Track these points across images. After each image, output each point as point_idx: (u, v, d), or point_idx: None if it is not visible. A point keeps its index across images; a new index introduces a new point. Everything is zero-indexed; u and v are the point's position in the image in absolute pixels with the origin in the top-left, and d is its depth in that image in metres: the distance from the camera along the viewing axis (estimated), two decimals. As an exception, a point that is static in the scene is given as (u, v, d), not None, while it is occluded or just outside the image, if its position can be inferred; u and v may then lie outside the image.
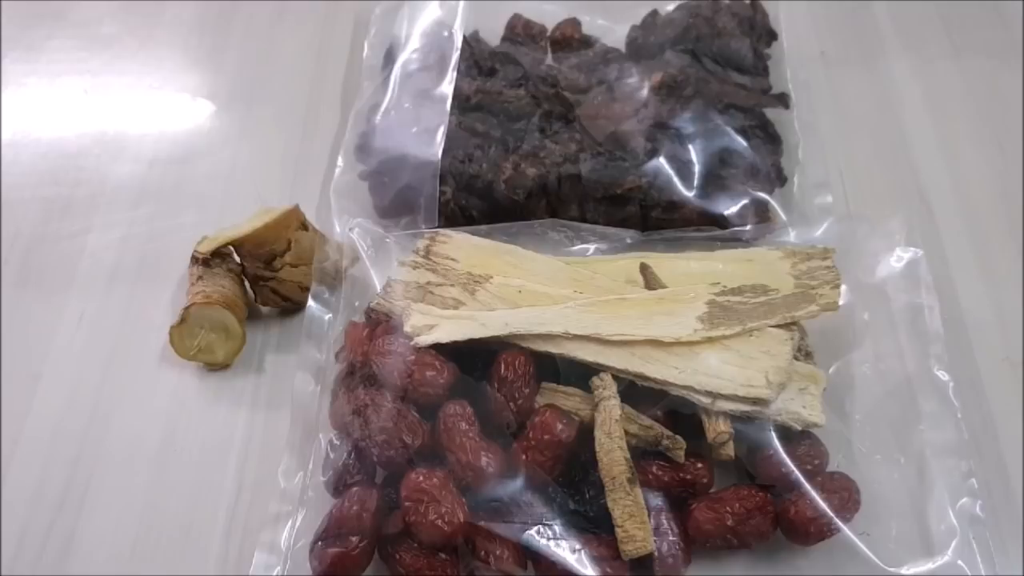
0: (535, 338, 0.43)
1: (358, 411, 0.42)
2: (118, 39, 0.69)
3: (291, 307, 0.52)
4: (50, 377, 0.50)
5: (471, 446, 0.40)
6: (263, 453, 0.46)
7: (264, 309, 0.52)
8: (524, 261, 0.48)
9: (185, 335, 0.49)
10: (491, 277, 0.46)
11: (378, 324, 0.45)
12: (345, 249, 0.51)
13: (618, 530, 0.39)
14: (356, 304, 0.49)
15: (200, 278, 0.50)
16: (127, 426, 0.48)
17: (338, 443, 0.43)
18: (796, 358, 0.43)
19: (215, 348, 0.49)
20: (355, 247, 0.50)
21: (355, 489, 0.41)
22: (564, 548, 0.39)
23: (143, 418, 0.48)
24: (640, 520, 0.39)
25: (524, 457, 0.41)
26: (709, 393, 0.41)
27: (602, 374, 0.42)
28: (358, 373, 0.44)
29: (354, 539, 0.39)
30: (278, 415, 0.47)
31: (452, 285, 0.46)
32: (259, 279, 0.51)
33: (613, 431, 0.41)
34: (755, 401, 0.41)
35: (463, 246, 0.48)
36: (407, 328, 0.43)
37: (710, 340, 0.43)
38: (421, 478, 0.40)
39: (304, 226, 0.51)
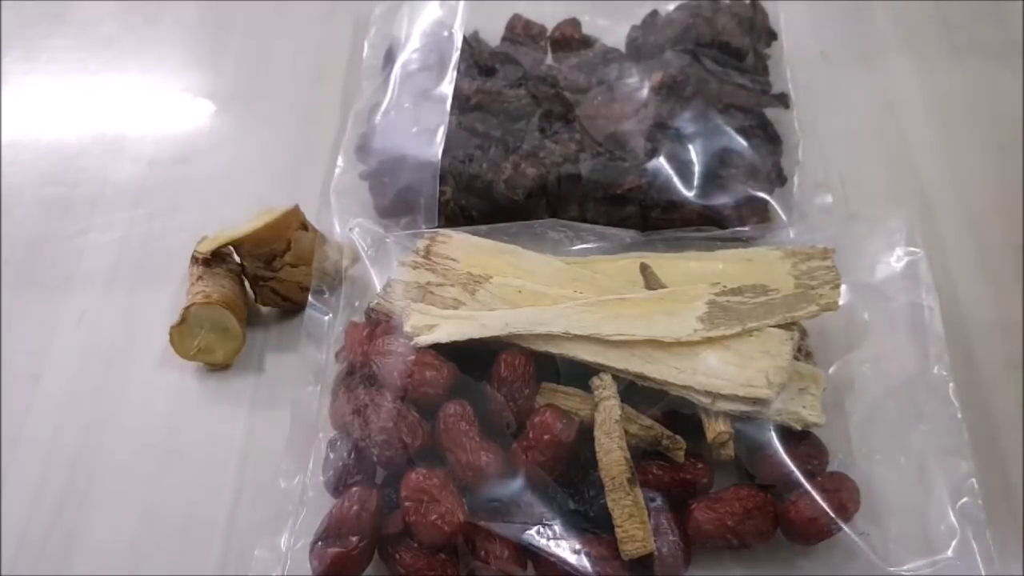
0: (535, 338, 0.43)
1: (358, 411, 0.42)
2: (118, 39, 0.69)
3: (291, 307, 0.52)
4: (50, 377, 0.50)
5: (471, 446, 0.40)
6: (263, 453, 0.46)
7: (264, 309, 0.52)
8: (524, 261, 0.48)
9: (185, 335, 0.49)
10: (491, 277, 0.46)
11: (378, 324, 0.45)
12: (345, 249, 0.51)
13: (618, 530, 0.39)
14: (356, 304, 0.49)
15: (200, 278, 0.50)
16: (127, 426, 0.48)
17: (338, 443, 0.43)
18: (796, 358, 0.43)
19: (215, 348, 0.49)
20: (355, 247, 0.50)
21: (355, 489, 0.41)
22: (564, 548, 0.39)
23: (143, 418, 0.48)
24: (640, 520, 0.39)
25: (524, 457, 0.41)
26: (709, 393, 0.41)
27: (602, 374, 0.42)
28: (358, 373, 0.44)
29: (354, 539, 0.39)
30: (278, 415, 0.47)
31: (452, 285, 0.46)
32: (259, 279, 0.51)
33: (613, 431, 0.41)
34: (755, 401, 0.41)
35: (463, 246, 0.48)
36: (407, 328, 0.43)
37: (710, 340, 0.43)
38: (421, 478, 0.40)
39: (304, 226, 0.51)
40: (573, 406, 0.42)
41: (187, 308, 0.48)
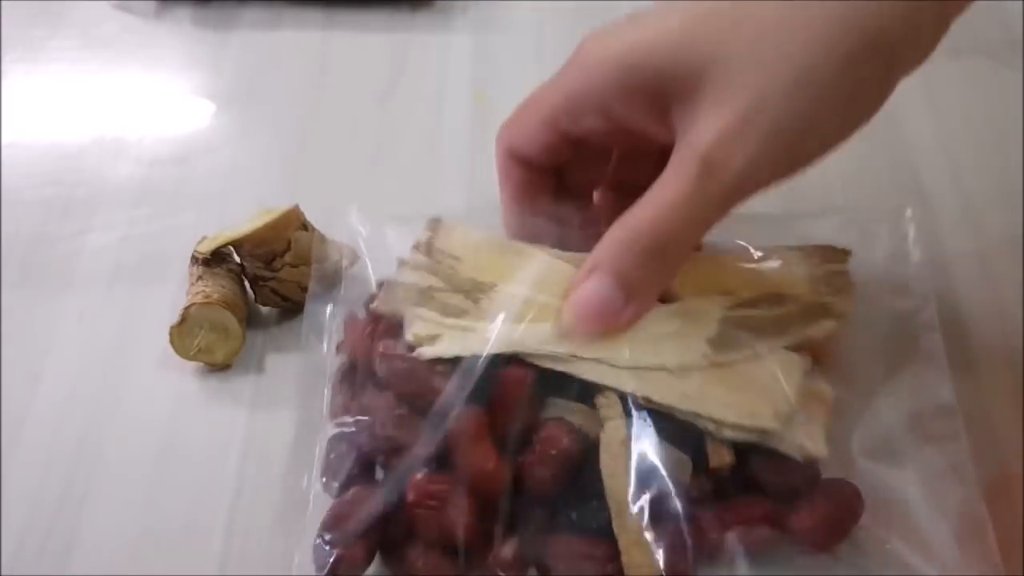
0: (540, 356, 0.42)
1: (362, 411, 0.42)
2: (118, 39, 0.69)
3: (291, 307, 0.52)
4: (50, 377, 0.50)
5: (479, 452, 0.40)
6: (263, 453, 0.46)
7: (264, 309, 0.52)
8: (532, 264, 0.46)
9: (185, 335, 0.49)
10: (495, 285, 0.45)
11: (379, 319, 0.45)
12: (345, 249, 0.51)
13: (623, 556, 0.38)
14: (355, 296, 0.48)
15: (200, 278, 0.50)
16: (127, 426, 0.48)
17: (338, 442, 0.43)
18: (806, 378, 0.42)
19: (215, 348, 0.49)
20: (355, 248, 0.50)
21: (356, 489, 0.41)
22: (568, 550, 0.39)
23: (143, 418, 0.48)
24: (647, 547, 0.38)
25: (529, 470, 0.40)
26: (713, 420, 0.40)
27: (607, 392, 0.41)
28: (360, 372, 0.44)
29: (355, 539, 0.39)
30: (278, 415, 0.47)
31: (455, 292, 0.45)
32: (259, 279, 0.51)
33: (619, 453, 0.40)
34: (761, 432, 0.40)
35: (467, 243, 0.47)
36: (409, 337, 0.43)
37: (718, 365, 0.42)
38: (427, 481, 0.39)
39: (304, 226, 0.51)
40: (580, 421, 0.41)
41: (187, 308, 0.48)
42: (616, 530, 0.39)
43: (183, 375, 0.50)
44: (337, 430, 0.44)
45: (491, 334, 0.42)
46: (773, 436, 0.40)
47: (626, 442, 0.40)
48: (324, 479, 0.43)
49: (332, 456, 0.43)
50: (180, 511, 0.45)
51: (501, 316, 0.44)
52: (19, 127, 0.64)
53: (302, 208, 0.51)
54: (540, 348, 0.42)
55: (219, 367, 0.50)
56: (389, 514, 0.41)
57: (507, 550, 0.39)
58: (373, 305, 0.46)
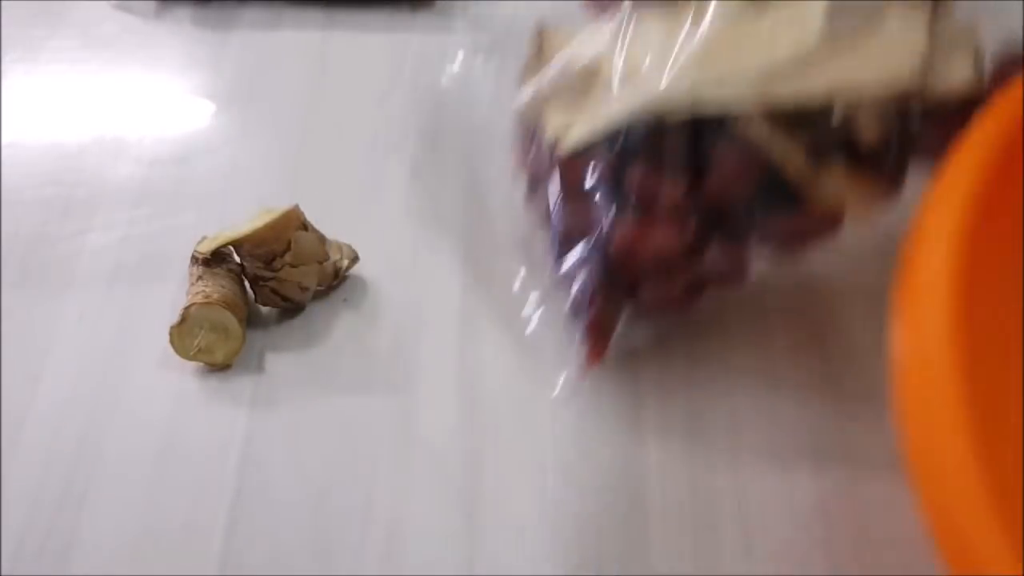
0: (671, 108, 0.41)
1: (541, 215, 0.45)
2: (118, 39, 0.69)
3: (291, 307, 0.52)
4: (50, 377, 0.50)
5: (665, 187, 0.41)
6: (263, 453, 0.46)
7: (264, 309, 0.52)
8: (634, 34, 0.44)
9: (185, 335, 0.49)
10: (602, 66, 0.44)
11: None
12: (345, 249, 0.51)
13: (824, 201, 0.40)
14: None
15: (200, 278, 0.50)
16: (127, 427, 0.48)
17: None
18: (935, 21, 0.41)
19: (215, 348, 0.49)
20: (353, 247, 0.50)
21: (573, 262, 0.43)
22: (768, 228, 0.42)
23: (143, 418, 0.48)
24: (847, 187, 0.40)
25: (715, 193, 0.41)
26: (853, 90, 0.39)
27: (744, 114, 0.40)
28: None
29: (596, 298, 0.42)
30: (278, 415, 0.47)
31: (575, 81, 0.44)
32: (259, 279, 0.51)
33: (788, 148, 0.40)
34: (901, 89, 0.39)
35: (575, 38, 0.46)
36: (549, 134, 0.43)
37: (835, 37, 0.40)
38: (623, 226, 0.41)
39: (304, 226, 0.51)
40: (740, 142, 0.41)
41: (187, 308, 0.48)
42: (807, 193, 0.40)
43: (183, 375, 0.50)
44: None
45: (617, 103, 0.42)
46: (916, 89, 0.39)
47: (771, 137, 0.40)
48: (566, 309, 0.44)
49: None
50: (180, 511, 0.45)
51: (620, 86, 0.43)
52: (19, 127, 0.64)
53: (302, 208, 0.51)
54: (662, 105, 0.41)
55: (219, 367, 0.50)
56: (609, 268, 0.42)
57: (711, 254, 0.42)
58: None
